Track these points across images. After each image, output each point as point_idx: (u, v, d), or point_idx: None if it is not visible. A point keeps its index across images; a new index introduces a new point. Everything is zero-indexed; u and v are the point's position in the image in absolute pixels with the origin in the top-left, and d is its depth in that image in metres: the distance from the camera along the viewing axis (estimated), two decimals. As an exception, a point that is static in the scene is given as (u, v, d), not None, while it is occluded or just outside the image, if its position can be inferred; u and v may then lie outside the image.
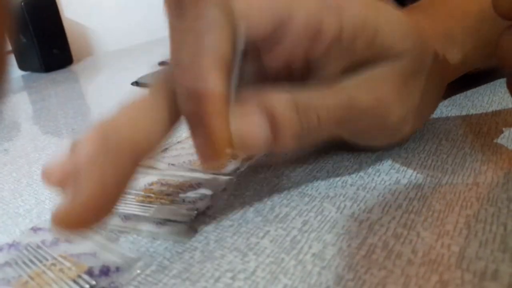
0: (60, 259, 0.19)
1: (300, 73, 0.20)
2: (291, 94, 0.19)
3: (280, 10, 0.18)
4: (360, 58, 0.21)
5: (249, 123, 0.18)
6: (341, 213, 0.20)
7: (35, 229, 0.22)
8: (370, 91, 0.21)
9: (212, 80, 0.17)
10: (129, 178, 0.17)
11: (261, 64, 0.20)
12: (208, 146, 0.17)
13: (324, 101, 0.20)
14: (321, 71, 0.20)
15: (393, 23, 0.21)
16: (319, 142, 0.21)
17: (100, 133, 0.17)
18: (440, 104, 0.32)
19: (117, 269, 0.18)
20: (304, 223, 0.20)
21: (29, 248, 0.20)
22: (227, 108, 0.17)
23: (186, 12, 0.17)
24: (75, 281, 0.18)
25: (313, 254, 0.18)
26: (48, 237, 0.21)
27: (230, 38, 0.17)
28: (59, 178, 0.17)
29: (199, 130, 0.17)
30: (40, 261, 0.19)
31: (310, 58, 0.19)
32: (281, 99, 0.19)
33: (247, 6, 0.17)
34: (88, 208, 0.16)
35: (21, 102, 0.48)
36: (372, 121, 0.22)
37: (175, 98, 0.18)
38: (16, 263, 0.19)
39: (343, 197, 0.22)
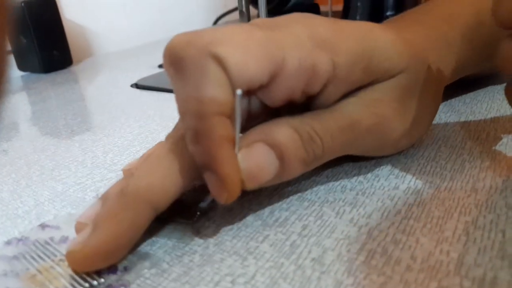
0: None
1: (301, 102, 0.21)
2: (294, 126, 0.20)
3: (273, 57, 0.18)
4: (357, 85, 0.21)
5: (257, 160, 0.19)
6: (340, 218, 0.20)
7: (43, 226, 0.22)
8: (370, 112, 0.21)
9: (215, 126, 0.18)
10: (143, 228, 0.19)
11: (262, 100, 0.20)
12: (220, 187, 0.18)
13: (326, 127, 0.20)
14: (321, 100, 0.21)
15: (385, 49, 0.21)
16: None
17: (122, 183, 0.19)
18: (439, 110, 0.32)
19: (125, 268, 0.18)
20: (304, 227, 0.20)
21: (37, 243, 0.20)
22: (233, 150, 0.18)
23: (185, 71, 0.18)
24: (83, 277, 0.18)
25: (313, 259, 0.18)
26: (56, 234, 0.21)
27: (228, 88, 0.18)
28: (84, 220, 0.19)
29: (210, 173, 0.18)
30: (49, 257, 0.19)
31: (308, 94, 0.20)
32: (285, 133, 0.19)
33: (241, 61, 0.18)
34: (98, 252, 0.17)
35: (20, 102, 0.48)
36: (374, 140, 0.22)
37: (188, 151, 0.19)
38: (25, 257, 0.19)
39: (343, 202, 0.22)
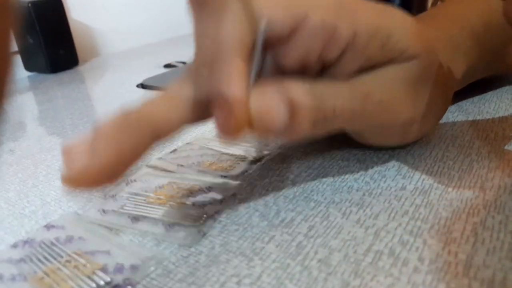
0: (74, 256, 0.19)
1: (314, 72, 0.21)
2: (309, 84, 0.20)
3: (298, 8, 0.19)
4: (373, 61, 0.21)
5: (269, 103, 0.19)
6: (347, 218, 0.20)
7: (48, 227, 0.22)
8: (382, 88, 0.21)
9: (233, 60, 0.18)
10: (145, 150, 0.18)
11: (278, 61, 0.20)
12: (227, 121, 0.18)
13: (340, 93, 0.20)
14: (335, 71, 0.21)
15: (404, 29, 0.21)
16: (332, 132, 0.22)
17: (122, 111, 0.18)
18: (447, 110, 0.32)
19: (132, 266, 0.18)
20: (310, 228, 0.20)
21: (43, 245, 0.20)
22: (247, 86, 0.18)
23: (208, 3, 0.18)
24: (90, 278, 0.18)
25: (319, 260, 0.18)
26: (62, 234, 0.21)
27: (250, 28, 0.18)
28: (79, 150, 0.18)
29: (220, 105, 0.18)
30: (55, 258, 0.19)
31: (325, 59, 0.20)
32: (299, 87, 0.19)
33: (267, 3, 0.18)
34: (102, 169, 0.17)
35: (27, 102, 0.48)
36: (383, 117, 0.22)
37: (199, 84, 0.19)
38: (31, 260, 0.19)
39: (349, 202, 0.22)
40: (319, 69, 0.21)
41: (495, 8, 0.20)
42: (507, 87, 0.35)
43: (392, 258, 0.17)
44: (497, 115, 0.30)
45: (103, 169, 0.17)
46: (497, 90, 0.34)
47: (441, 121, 0.30)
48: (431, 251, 0.17)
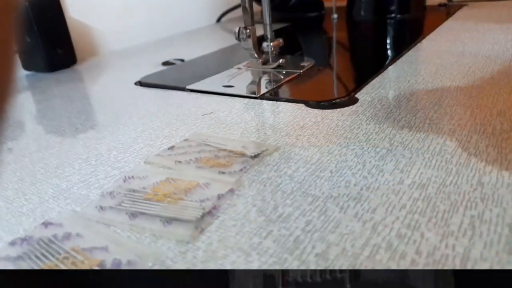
0: (72, 252, 0.19)
1: None
2: None
3: None
4: None
5: None
6: (344, 213, 0.20)
7: (46, 224, 0.22)
8: None
9: None
10: None
11: None
12: None
13: None
14: None
15: None
16: None
17: None
18: (445, 104, 0.32)
19: (129, 262, 0.18)
20: (307, 223, 0.20)
21: (41, 242, 0.20)
22: None
23: None
24: None
25: (317, 255, 0.18)
26: (60, 231, 0.21)
27: None
28: None
29: None
30: (53, 255, 0.19)
31: None
32: None
33: None
34: None
35: (25, 101, 0.48)
36: None
37: None
38: (29, 257, 0.19)
39: (347, 197, 0.22)
40: None
41: None
42: (505, 81, 0.35)
43: (389, 251, 0.17)
44: (495, 109, 0.30)
45: None
46: (495, 83, 0.34)
47: (439, 116, 0.30)
48: (428, 244, 0.17)
